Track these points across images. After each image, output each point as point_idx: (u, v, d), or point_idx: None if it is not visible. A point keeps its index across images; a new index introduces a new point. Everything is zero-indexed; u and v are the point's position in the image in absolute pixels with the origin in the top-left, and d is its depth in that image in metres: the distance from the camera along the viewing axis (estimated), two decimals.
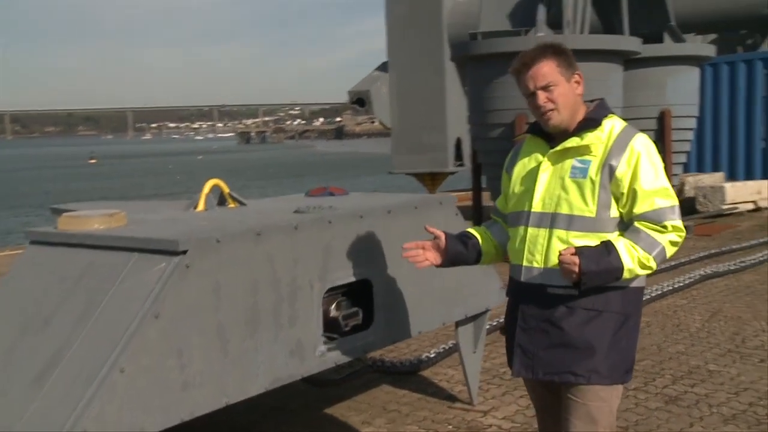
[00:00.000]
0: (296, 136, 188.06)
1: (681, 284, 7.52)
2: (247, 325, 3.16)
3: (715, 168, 15.34)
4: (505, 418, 4.49)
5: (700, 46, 12.94)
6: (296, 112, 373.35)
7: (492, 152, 10.33)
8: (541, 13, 10.19)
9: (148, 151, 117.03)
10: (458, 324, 4.45)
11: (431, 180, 17.36)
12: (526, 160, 2.89)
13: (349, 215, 3.66)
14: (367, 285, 3.75)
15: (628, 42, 10.42)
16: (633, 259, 2.62)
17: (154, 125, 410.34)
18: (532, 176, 2.83)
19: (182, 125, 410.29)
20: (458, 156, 16.76)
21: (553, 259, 2.70)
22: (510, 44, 9.79)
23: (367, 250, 3.72)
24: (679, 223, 2.67)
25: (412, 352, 5.74)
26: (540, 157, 2.83)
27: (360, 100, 17.32)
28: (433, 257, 3.04)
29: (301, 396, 4.92)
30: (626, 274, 2.63)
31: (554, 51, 2.75)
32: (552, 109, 2.72)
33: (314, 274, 3.45)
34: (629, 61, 10.62)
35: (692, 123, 12.35)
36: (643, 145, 2.69)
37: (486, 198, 11.26)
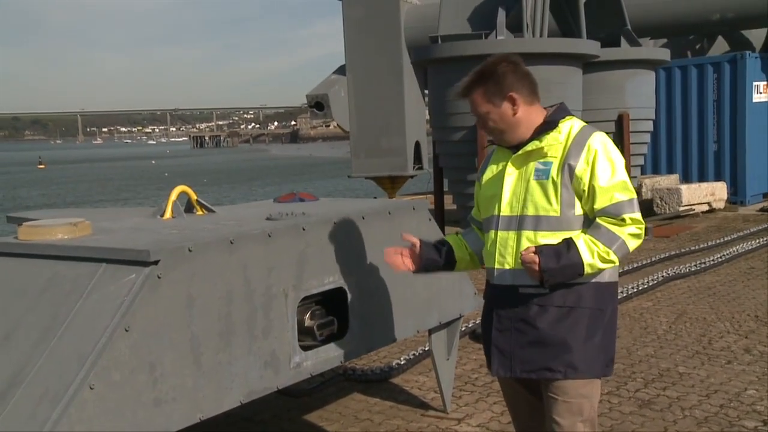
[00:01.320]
0: (251, 140, 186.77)
1: (645, 286, 7.57)
2: (220, 337, 3.05)
3: (670, 170, 15.56)
4: (480, 425, 4.43)
5: (656, 50, 13.15)
6: (251, 116, 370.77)
7: (453, 156, 10.33)
8: (501, 16, 10.21)
9: (98, 156, 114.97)
10: (431, 331, 4.39)
11: (391, 184, 17.30)
12: (493, 167, 2.98)
13: (323, 222, 3.57)
14: (342, 293, 3.66)
15: (587, 45, 10.50)
16: (593, 254, 2.69)
17: (105, 129, 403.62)
18: (498, 181, 2.90)
19: (134, 129, 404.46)
20: (417, 159, 16.74)
21: None
22: (471, 47, 9.80)
23: (341, 257, 3.63)
24: (638, 215, 2.73)
25: (381, 359, 5.65)
26: (505, 163, 2.90)
27: (318, 104, 17.17)
28: (408, 263, 3.11)
29: (271, 406, 4.80)
30: (587, 269, 2.70)
31: (480, 80, 2.82)
32: (501, 131, 2.85)
33: (288, 282, 3.35)
34: (588, 64, 10.71)
35: (649, 126, 12.53)
36: (599, 142, 2.77)
37: (448, 201, 11.23)
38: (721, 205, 13.88)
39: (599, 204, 2.72)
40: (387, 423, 4.53)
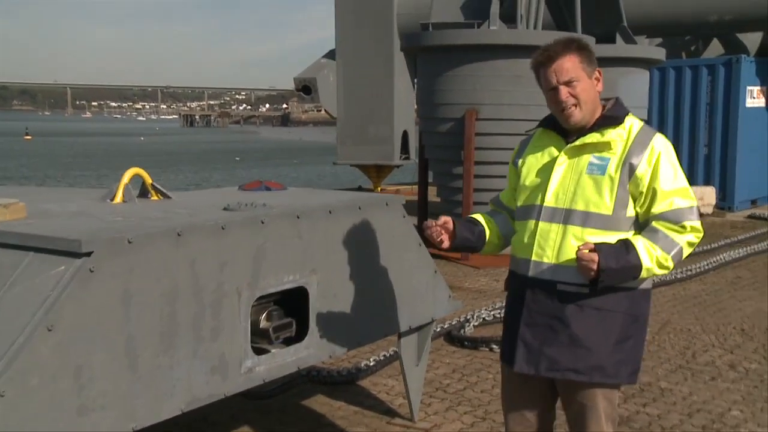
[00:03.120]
0: (242, 121, 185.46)
1: None
2: (161, 339, 2.75)
3: None
4: None
5: (652, 48, 12.86)
6: (242, 97, 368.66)
7: (440, 147, 10.03)
8: (495, 6, 9.88)
9: (86, 130, 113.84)
10: (401, 334, 4.11)
11: (376, 172, 17.03)
12: (538, 153, 2.83)
13: (284, 215, 3.27)
14: (303, 293, 3.37)
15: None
16: (652, 258, 2.59)
17: (95, 104, 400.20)
18: (546, 170, 2.77)
19: (124, 105, 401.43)
20: (404, 149, 16.45)
21: (565, 256, 2.66)
22: (463, 37, 9.50)
23: (303, 255, 3.34)
24: (698, 224, 2.65)
25: (350, 359, 5.37)
26: (555, 151, 2.78)
27: (306, 88, 16.85)
28: (445, 238, 2.90)
29: (229, 407, 4.51)
30: (644, 273, 2.60)
31: (578, 46, 2.70)
32: (574, 105, 2.69)
33: (243, 280, 3.06)
34: None
35: None
36: (663, 144, 2.68)
37: (432, 193, 10.94)
38: (709, 210, 13.67)
39: (658, 208, 2.63)
40: (350, 430, 4.26)
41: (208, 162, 43.67)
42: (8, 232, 2.69)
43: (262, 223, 3.14)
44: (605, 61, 10.93)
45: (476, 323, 6.14)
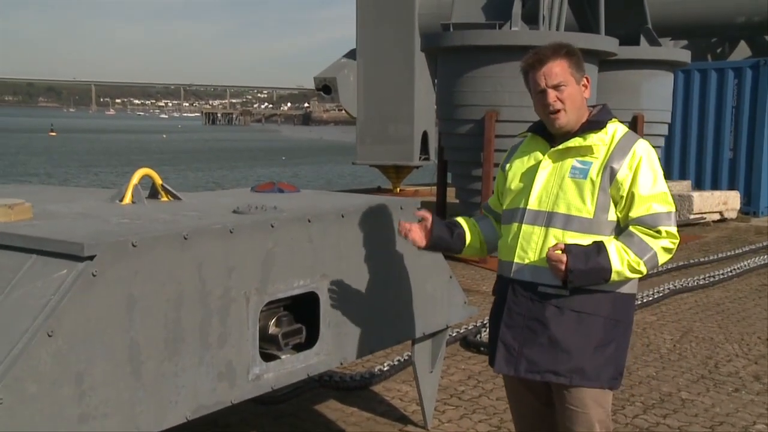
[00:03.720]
0: (263, 119, 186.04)
1: (650, 298, 7.19)
2: (166, 345, 2.68)
3: (683, 176, 15.14)
4: None
5: (676, 51, 12.69)
6: (264, 96, 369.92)
7: (459, 149, 9.92)
8: (517, 7, 9.77)
9: (109, 127, 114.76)
10: (414, 341, 4.02)
11: (395, 173, 16.94)
12: (525, 158, 2.87)
13: (295, 218, 3.19)
14: (314, 298, 3.29)
15: (605, 42, 10.06)
16: (622, 261, 2.61)
17: (118, 101, 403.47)
18: (530, 174, 2.80)
19: (147, 102, 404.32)
20: (424, 150, 16.35)
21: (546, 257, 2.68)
22: (483, 37, 9.40)
23: (314, 259, 3.25)
24: (674, 229, 2.66)
25: (363, 364, 5.28)
26: (539, 155, 2.81)
27: (326, 87, 16.78)
28: (420, 238, 2.99)
29: (239, 410, 4.44)
30: (614, 276, 2.62)
31: (568, 52, 2.74)
32: (560, 110, 2.71)
33: (251, 285, 2.98)
34: (604, 62, 10.26)
35: (664, 129, 12.09)
36: (644, 150, 2.69)
37: (451, 195, 10.84)
38: (733, 215, 13.45)
39: (636, 212, 2.64)
40: None
41: (228, 160, 43.79)
42: (11, 233, 2.63)
43: (272, 226, 3.06)
44: (629, 63, 10.92)
45: None
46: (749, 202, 14.28)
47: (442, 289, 3.98)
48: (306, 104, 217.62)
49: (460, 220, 3.08)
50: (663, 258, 2.67)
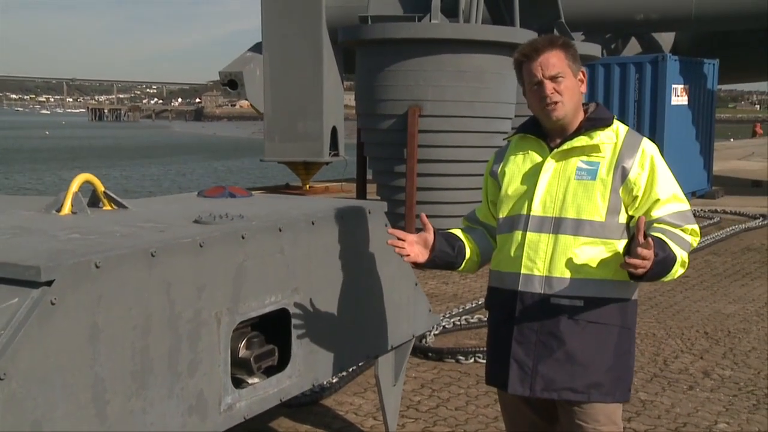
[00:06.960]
0: (153, 115, 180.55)
1: None
2: (133, 379, 2.33)
3: None
4: None
5: (589, 45, 12.85)
6: (153, 91, 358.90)
7: (381, 145, 9.68)
8: None
9: None
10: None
11: (305, 169, 16.56)
12: (520, 160, 2.67)
13: (266, 228, 2.87)
14: (284, 315, 2.98)
15: (524, 35, 9.99)
16: (681, 255, 2.48)
17: None
18: (530, 177, 2.61)
19: (26, 98, 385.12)
20: (333, 145, 16.05)
21: (558, 267, 2.51)
22: (404, 30, 9.17)
23: (286, 272, 2.95)
24: (697, 227, 2.57)
25: None
26: (537, 157, 2.63)
27: (232, 82, 16.20)
28: (420, 253, 2.66)
29: None
30: (677, 266, 2.46)
31: (564, 43, 2.59)
32: (558, 102, 2.53)
33: (222, 305, 2.65)
34: None
35: None
36: (652, 147, 2.59)
37: (371, 191, 10.59)
38: None
39: (659, 212, 2.51)
40: None
41: (120, 158, 42.13)
42: None
43: (243, 237, 2.73)
44: None
45: (437, 332, 5.84)
46: None
47: (408, 297, 3.73)
48: (198, 99, 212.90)
49: (456, 232, 2.82)
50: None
